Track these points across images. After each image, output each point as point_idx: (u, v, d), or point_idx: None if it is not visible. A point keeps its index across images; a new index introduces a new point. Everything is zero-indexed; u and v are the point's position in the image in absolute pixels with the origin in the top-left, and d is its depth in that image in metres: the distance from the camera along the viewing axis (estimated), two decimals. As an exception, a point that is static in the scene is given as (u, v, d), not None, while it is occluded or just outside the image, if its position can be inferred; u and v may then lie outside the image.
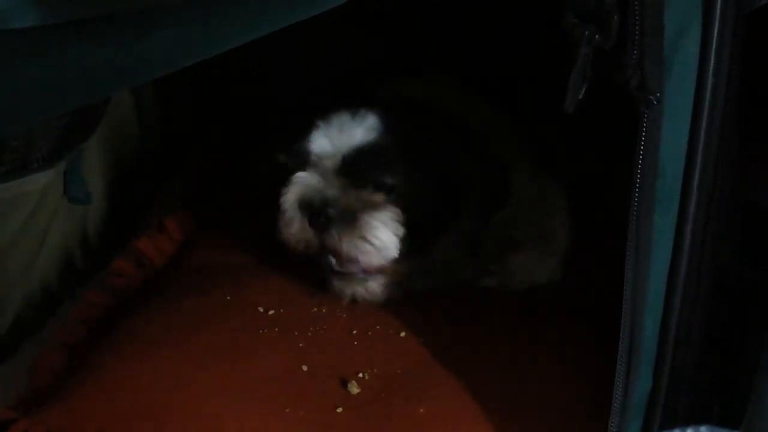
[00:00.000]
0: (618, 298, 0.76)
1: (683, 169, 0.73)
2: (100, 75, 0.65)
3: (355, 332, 0.98)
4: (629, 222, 0.73)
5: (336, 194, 0.96)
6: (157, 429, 0.84)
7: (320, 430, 0.85)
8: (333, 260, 0.99)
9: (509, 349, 0.95)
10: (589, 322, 0.98)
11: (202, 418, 0.85)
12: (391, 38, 1.34)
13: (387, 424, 0.85)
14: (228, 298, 1.02)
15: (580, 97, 0.71)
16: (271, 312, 1.00)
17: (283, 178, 1.00)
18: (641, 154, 0.71)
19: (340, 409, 0.87)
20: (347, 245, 0.95)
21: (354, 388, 0.89)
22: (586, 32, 0.70)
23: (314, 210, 0.95)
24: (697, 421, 0.72)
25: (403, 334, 0.98)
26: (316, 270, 1.03)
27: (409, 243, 0.97)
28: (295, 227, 0.98)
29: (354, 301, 1.02)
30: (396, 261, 0.98)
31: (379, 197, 0.97)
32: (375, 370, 0.92)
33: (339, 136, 0.97)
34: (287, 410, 0.86)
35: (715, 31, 0.70)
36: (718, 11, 0.69)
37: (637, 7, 0.67)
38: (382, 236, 0.95)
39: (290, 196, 0.98)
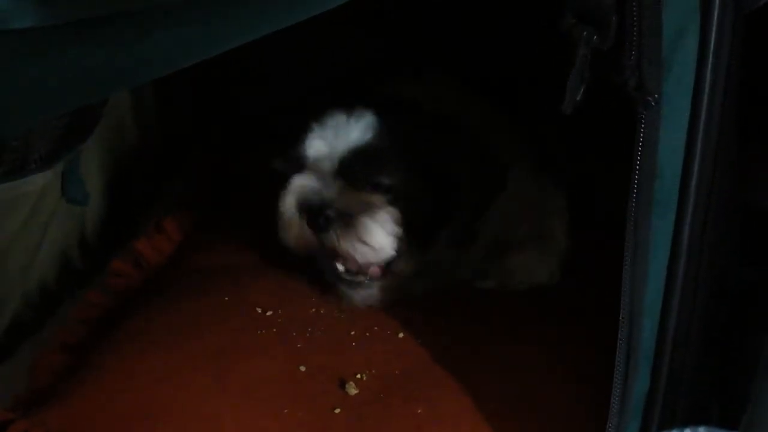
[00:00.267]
0: (617, 299, 0.77)
1: (681, 170, 0.73)
2: (100, 75, 0.65)
3: (353, 333, 0.98)
4: (627, 222, 0.73)
5: (333, 196, 0.96)
6: (156, 429, 0.84)
7: (318, 430, 0.86)
8: (341, 267, 1.00)
9: (509, 349, 0.95)
10: (588, 322, 0.97)
11: (201, 418, 0.86)
12: (391, 38, 1.34)
13: (385, 424, 0.86)
14: (226, 298, 1.02)
15: (579, 98, 0.71)
16: (269, 313, 1.00)
17: (281, 181, 1.00)
18: (639, 155, 0.71)
19: (338, 410, 0.87)
20: (345, 245, 0.96)
21: (352, 389, 0.89)
22: (585, 33, 0.70)
23: (313, 212, 0.96)
24: (696, 422, 0.72)
25: (401, 334, 0.98)
26: (317, 271, 1.04)
27: (407, 242, 0.98)
28: (294, 229, 0.99)
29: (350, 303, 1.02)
30: (396, 260, 0.99)
31: (376, 198, 0.97)
32: (373, 371, 0.92)
33: (335, 138, 0.98)
34: (285, 411, 0.87)
35: (714, 31, 0.70)
36: (716, 12, 0.69)
37: (635, 8, 0.68)
38: (379, 237, 0.96)
39: (289, 199, 0.99)
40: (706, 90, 0.71)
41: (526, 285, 1.07)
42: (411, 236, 0.98)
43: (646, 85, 0.69)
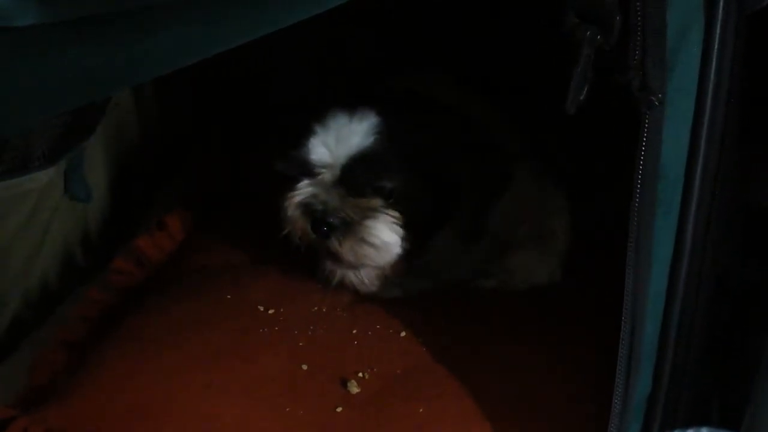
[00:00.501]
0: (618, 299, 0.76)
1: (685, 170, 0.72)
2: (100, 74, 0.64)
3: (355, 332, 0.98)
4: (630, 223, 0.73)
5: (336, 203, 0.96)
6: (156, 428, 0.84)
7: (320, 429, 0.85)
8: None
9: (509, 349, 0.95)
10: (588, 322, 0.97)
11: (202, 416, 0.85)
12: (392, 38, 1.33)
13: (387, 423, 0.85)
14: (228, 297, 1.01)
15: (582, 97, 0.71)
16: (271, 311, 1.00)
17: (283, 182, 1.00)
18: (642, 155, 0.71)
19: (339, 409, 0.87)
20: (349, 251, 0.96)
21: (354, 388, 0.89)
22: (588, 33, 0.69)
23: (316, 219, 0.96)
24: (698, 423, 0.72)
25: (403, 333, 0.97)
26: (318, 269, 1.03)
27: (410, 242, 0.98)
28: (298, 228, 0.99)
29: (342, 284, 1.02)
30: (397, 259, 0.99)
31: (377, 203, 0.97)
32: (375, 370, 0.91)
33: (337, 144, 0.97)
34: (287, 410, 0.86)
35: (717, 31, 0.69)
36: (720, 12, 0.69)
37: (638, 8, 0.67)
38: (383, 236, 0.96)
39: (293, 204, 0.99)
40: (710, 90, 0.70)
41: (526, 285, 1.07)
42: (413, 237, 0.98)
43: (649, 85, 0.68)
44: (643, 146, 0.70)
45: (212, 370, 0.90)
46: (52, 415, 0.85)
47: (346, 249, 0.96)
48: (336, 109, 0.99)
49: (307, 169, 0.99)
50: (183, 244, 1.18)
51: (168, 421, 0.84)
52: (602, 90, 0.71)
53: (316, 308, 1.01)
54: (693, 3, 0.69)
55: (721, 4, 0.69)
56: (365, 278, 1.01)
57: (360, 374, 0.91)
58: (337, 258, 0.98)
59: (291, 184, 1.00)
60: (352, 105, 0.99)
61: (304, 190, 0.98)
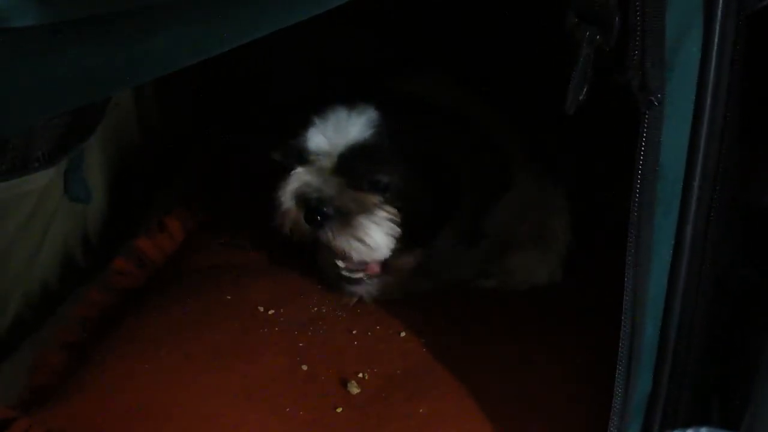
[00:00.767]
0: (618, 299, 0.76)
1: (684, 170, 0.72)
2: (100, 75, 0.64)
3: (355, 332, 0.97)
4: (630, 223, 0.73)
5: (331, 193, 0.96)
6: (157, 429, 0.84)
7: (320, 430, 0.85)
8: (342, 264, 1.00)
9: (509, 349, 0.94)
10: (589, 322, 0.97)
11: (202, 417, 0.85)
12: (391, 38, 1.33)
13: (387, 424, 0.85)
14: (228, 297, 1.01)
15: (582, 97, 0.71)
16: (271, 312, 0.99)
17: (281, 172, 1.00)
18: (642, 155, 0.71)
19: (339, 409, 0.87)
20: (341, 243, 0.96)
21: (354, 388, 0.89)
22: (588, 33, 0.69)
23: (310, 208, 0.96)
24: (698, 423, 0.72)
25: (403, 334, 0.97)
26: (317, 270, 1.03)
27: (407, 239, 0.97)
28: (291, 221, 0.99)
29: (360, 300, 1.02)
30: (395, 257, 0.98)
31: (374, 197, 0.96)
32: (375, 370, 0.91)
33: (335, 134, 0.97)
34: (287, 410, 0.86)
35: (717, 31, 0.69)
36: (719, 12, 0.69)
37: (638, 8, 0.67)
38: (375, 237, 0.96)
39: (287, 191, 0.98)
40: (709, 90, 0.70)
41: (526, 285, 1.06)
42: (410, 234, 0.98)
43: (649, 84, 0.69)
44: (643, 146, 0.70)
45: (212, 371, 0.90)
46: (53, 416, 0.85)
47: (339, 241, 0.95)
48: (336, 104, 0.99)
49: (304, 158, 0.98)
50: (183, 244, 1.17)
51: (168, 422, 0.84)
52: (602, 90, 0.71)
53: (316, 309, 1.01)
54: (692, 3, 0.69)
55: (721, 4, 0.69)
56: (372, 288, 1.01)
57: (360, 374, 0.91)
58: (330, 247, 0.97)
59: (286, 173, 0.99)
60: (351, 101, 0.99)
61: (299, 177, 0.98)
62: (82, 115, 1.05)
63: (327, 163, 0.97)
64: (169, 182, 1.32)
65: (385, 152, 0.97)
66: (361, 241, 0.95)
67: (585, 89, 0.70)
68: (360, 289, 1.01)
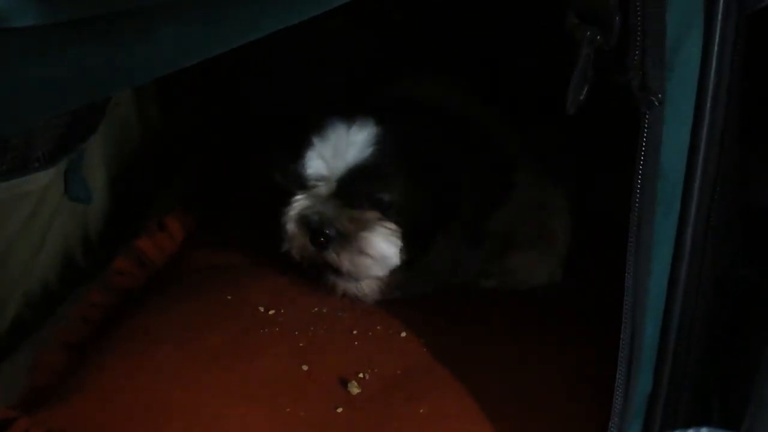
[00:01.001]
0: (618, 299, 0.76)
1: (685, 170, 0.72)
2: (100, 75, 0.64)
3: (355, 332, 0.97)
4: (630, 223, 0.72)
5: (332, 215, 0.96)
6: (157, 429, 0.83)
7: (320, 430, 0.84)
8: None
9: (510, 349, 0.94)
10: (589, 322, 0.97)
11: (203, 418, 0.84)
12: (391, 39, 1.33)
13: (387, 424, 0.85)
14: (228, 297, 1.01)
15: (582, 98, 0.70)
16: (271, 312, 0.99)
17: (282, 194, 1.00)
18: (642, 155, 0.70)
19: (340, 409, 0.86)
20: (347, 262, 0.96)
21: (354, 388, 0.88)
22: (588, 33, 0.69)
23: (313, 231, 0.96)
24: (698, 423, 0.71)
25: (403, 334, 0.97)
26: (318, 271, 1.03)
27: (408, 252, 0.98)
28: (297, 244, 0.99)
29: (345, 295, 1.02)
30: (395, 270, 0.99)
31: (373, 214, 0.97)
32: (375, 370, 0.91)
33: (334, 157, 0.97)
34: (287, 410, 0.86)
35: (717, 31, 0.69)
36: (720, 12, 0.69)
37: (638, 8, 0.67)
38: (380, 248, 0.96)
39: (290, 219, 0.99)
40: (710, 90, 0.70)
41: (527, 285, 1.06)
42: (410, 245, 0.98)
43: (649, 85, 0.68)
44: (643, 146, 0.70)
45: (213, 371, 0.89)
46: (53, 416, 0.85)
47: (344, 260, 0.96)
48: (334, 118, 0.99)
49: (304, 183, 0.99)
50: (183, 244, 1.17)
51: (169, 422, 0.84)
52: (602, 90, 0.71)
53: (316, 309, 1.01)
54: (693, 3, 0.68)
55: (721, 3, 0.69)
56: (366, 289, 1.01)
57: (360, 375, 0.90)
58: (337, 271, 0.98)
59: (289, 197, 1.00)
60: (350, 114, 0.98)
61: (299, 202, 0.98)
62: (82, 115, 1.05)
63: (327, 187, 0.98)
64: (169, 182, 1.32)
65: (385, 170, 0.97)
66: (366, 254, 0.96)
67: (585, 89, 0.70)
68: (345, 284, 1.01)
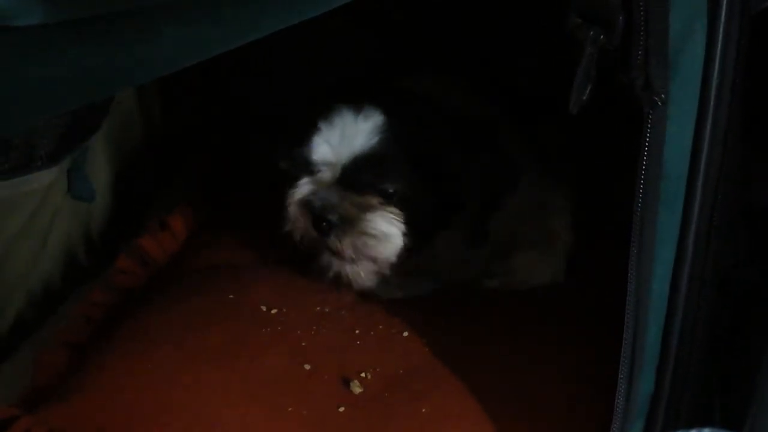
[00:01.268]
0: (619, 299, 0.75)
1: (688, 170, 0.71)
2: (101, 75, 0.63)
3: (357, 332, 0.96)
4: (633, 223, 0.72)
5: (336, 201, 0.95)
6: (158, 428, 0.82)
7: (322, 429, 0.84)
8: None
9: (511, 349, 0.93)
10: (589, 322, 0.96)
11: (204, 417, 0.84)
12: (392, 39, 1.32)
13: (389, 423, 0.84)
14: (230, 296, 1.00)
15: (585, 97, 0.70)
16: (273, 311, 0.98)
17: (286, 182, 0.99)
18: (645, 155, 0.70)
19: (342, 409, 0.86)
20: (349, 246, 0.95)
21: (356, 388, 0.88)
22: (591, 32, 0.68)
23: (316, 216, 0.95)
24: (700, 423, 0.71)
25: (405, 333, 0.96)
26: (320, 269, 1.02)
27: (411, 240, 0.96)
28: (300, 230, 0.98)
29: (338, 277, 1.01)
30: (399, 259, 0.98)
31: (376, 199, 0.96)
32: (377, 370, 0.90)
33: (340, 143, 0.96)
34: (289, 409, 0.85)
35: (721, 32, 0.68)
36: (723, 12, 0.68)
37: (641, 8, 0.66)
38: (382, 227, 0.95)
39: (293, 204, 0.98)
40: (713, 90, 0.69)
41: (529, 285, 1.05)
42: (414, 235, 0.97)
43: (652, 84, 0.68)
44: (646, 146, 0.69)
45: (214, 370, 0.88)
46: (55, 415, 0.84)
47: (346, 245, 0.95)
48: (342, 106, 0.97)
49: (309, 168, 0.98)
50: (184, 243, 1.16)
51: (170, 421, 0.83)
52: (605, 89, 0.70)
53: (318, 308, 1.00)
54: (696, 3, 0.68)
55: (725, 4, 0.68)
56: (362, 273, 1.00)
57: (363, 374, 0.90)
58: (339, 255, 0.97)
59: (293, 182, 0.99)
60: (358, 102, 0.97)
61: (303, 187, 0.97)
62: (84, 114, 1.04)
63: (332, 172, 0.96)
64: (169, 182, 1.31)
65: (390, 160, 0.96)
66: (369, 235, 0.95)
67: (588, 89, 0.69)
68: (339, 266, 1.00)
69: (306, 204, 0.97)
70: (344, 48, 1.31)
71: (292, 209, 0.98)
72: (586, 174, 1.12)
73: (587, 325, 0.96)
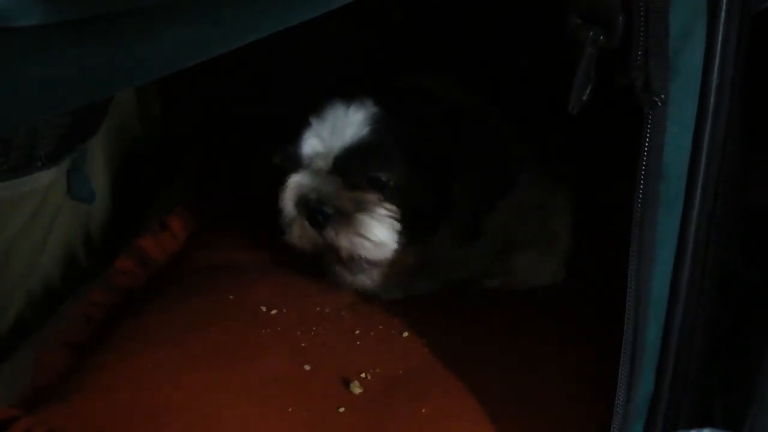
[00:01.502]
0: (618, 299, 0.74)
1: (687, 171, 0.71)
2: (101, 75, 0.63)
3: (357, 332, 0.96)
4: (632, 224, 0.71)
5: (330, 193, 0.94)
6: (158, 429, 0.82)
7: (322, 429, 0.83)
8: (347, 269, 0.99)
9: (511, 349, 0.93)
10: (589, 322, 0.96)
11: (204, 417, 0.83)
12: (392, 38, 1.32)
13: (389, 424, 0.83)
14: (230, 297, 1.00)
15: (585, 98, 0.69)
16: (273, 312, 0.98)
17: (281, 176, 0.99)
18: (645, 156, 0.69)
19: (342, 409, 0.85)
20: (345, 242, 0.95)
21: (356, 388, 0.87)
22: (591, 33, 0.68)
23: (310, 209, 0.94)
24: (700, 424, 0.70)
25: (405, 334, 0.96)
26: (320, 270, 1.02)
27: (408, 234, 0.96)
28: (296, 228, 0.98)
29: (351, 286, 1.01)
30: (397, 253, 0.97)
31: (372, 196, 0.95)
32: (377, 370, 0.90)
33: (331, 135, 0.95)
34: (289, 410, 0.84)
35: (720, 32, 0.68)
36: (723, 13, 0.68)
37: (641, 9, 0.66)
38: (378, 232, 0.94)
39: (287, 198, 0.97)
40: (713, 90, 0.69)
41: (529, 285, 1.05)
42: (410, 229, 0.96)
43: (652, 85, 0.67)
44: (646, 146, 0.69)
45: (214, 371, 0.88)
46: (55, 415, 0.83)
47: (342, 240, 0.94)
48: (333, 99, 0.97)
49: (302, 162, 0.97)
50: (184, 244, 1.16)
51: (170, 421, 0.82)
52: (604, 90, 0.69)
53: (318, 309, 0.99)
54: (696, 4, 0.67)
55: (725, 5, 0.68)
56: (372, 278, 0.99)
57: (362, 375, 0.89)
58: (337, 252, 0.96)
59: (287, 177, 0.98)
60: (349, 96, 0.97)
61: (297, 181, 0.97)
62: (84, 115, 1.04)
63: (324, 164, 0.96)
64: (169, 182, 1.30)
65: (383, 149, 0.95)
66: (364, 237, 0.94)
67: (588, 89, 0.69)
68: (352, 276, 0.99)
69: (301, 199, 0.96)
70: (344, 48, 1.31)
71: (287, 207, 0.97)
72: (586, 174, 1.12)
73: (587, 325, 0.95)
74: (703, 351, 0.75)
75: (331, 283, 1.02)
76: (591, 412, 0.82)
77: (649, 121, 0.68)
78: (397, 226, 0.95)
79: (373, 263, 0.98)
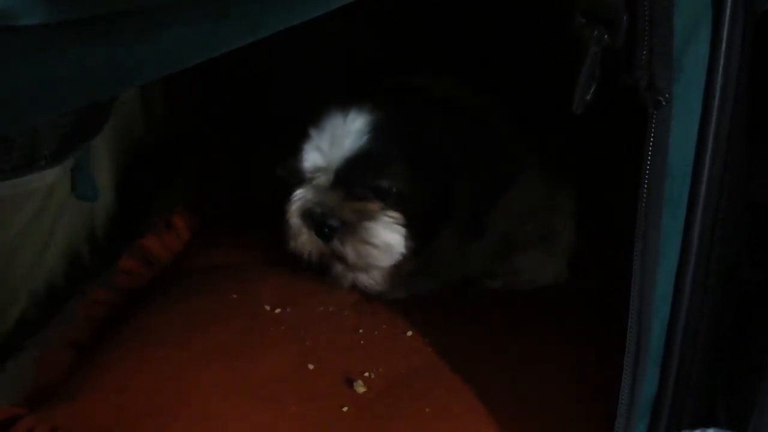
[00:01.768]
0: (621, 299, 0.73)
1: (692, 170, 0.70)
2: (101, 75, 0.62)
3: (361, 331, 0.95)
4: (637, 223, 0.70)
5: (334, 205, 0.94)
6: (161, 427, 0.81)
7: (326, 429, 0.82)
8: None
9: (513, 349, 0.92)
10: (590, 322, 0.94)
11: (208, 416, 0.82)
12: (392, 38, 1.30)
13: (393, 423, 0.82)
14: (234, 296, 0.99)
15: (589, 97, 0.68)
16: (277, 311, 0.97)
17: (284, 187, 0.98)
18: (649, 155, 0.68)
19: (345, 408, 0.84)
20: (352, 251, 0.94)
21: (360, 387, 0.86)
22: (596, 32, 0.67)
23: (316, 222, 0.94)
24: (704, 424, 0.69)
25: (409, 333, 0.94)
26: (323, 269, 1.00)
27: (412, 240, 0.95)
28: (303, 239, 0.97)
29: (354, 286, 1.00)
30: (403, 261, 0.96)
31: (375, 205, 0.94)
32: (381, 370, 0.88)
33: (331, 147, 0.94)
34: (293, 409, 0.83)
35: (725, 32, 0.67)
36: (728, 12, 0.67)
37: (646, 8, 0.64)
38: (385, 237, 0.94)
39: (293, 212, 0.97)
40: (717, 90, 0.68)
41: (532, 285, 1.04)
42: (414, 233, 0.95)
43: (657, 84, 0.66)
44: (651, 145, 0.68)
45: (218, 370, 0.87)
46: (58, 414, 0.83)
47: (349, 250, 0.94)
48: (331, 109, 0.96)
49: (304, 176, 0.96)
50: (187, 243, 1.15)
51: (174, 420, 0.82)
52: (609, 89, 0.68)
53: (322, 308, 0.98)
54: (701, 3, 0.66)
55: (729, 4, 0.67)
56: (375, 279, 0.99)
57: (366, 374, 0.88)
58: (344, 261, 0.96)
59: (291, 191, 0.97)
60: (347, 103, 0.95)
61: (300, 196, 0.96)
62: (87, 114, 1.02)
63: (326, 177, 0.95)
64: (169, 182, 1.29)
65: (382, 157, 0.94)
66: (371, 245, 0.93)
67: (592, 89, 0.68)
68: (352, 274, 0.99)
69: (306, 213, 0.95)
70: (344, 48, 1.30)
71: (294, 221, 0.96)
72: (589, 174, 1.11)
73: (587, 325, 0.94)
74: (707, 351, 0.74)
75: (333, 283, 1.01)
76: (591, 412, 0.81)
77: (654, 121, 0.67)
78: (402, 231, 0.94)
79: (381, 268, 0.97)
